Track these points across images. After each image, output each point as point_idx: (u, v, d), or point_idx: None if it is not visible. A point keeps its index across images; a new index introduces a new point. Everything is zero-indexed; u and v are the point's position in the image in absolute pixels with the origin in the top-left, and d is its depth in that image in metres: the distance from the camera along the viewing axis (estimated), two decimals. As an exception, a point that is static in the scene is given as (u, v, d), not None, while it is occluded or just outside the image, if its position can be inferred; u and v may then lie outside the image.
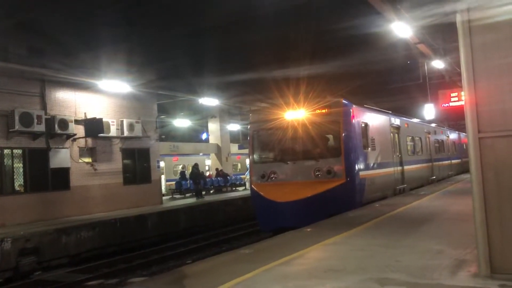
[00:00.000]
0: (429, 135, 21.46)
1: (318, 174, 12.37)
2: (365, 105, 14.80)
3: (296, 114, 12.89)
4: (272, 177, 13.03)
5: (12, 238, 12.29)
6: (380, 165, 14.18)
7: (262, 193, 12.76)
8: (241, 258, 7.04)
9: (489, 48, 4.89)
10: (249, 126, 14.42)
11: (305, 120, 12.71)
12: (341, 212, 11.25)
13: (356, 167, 12.59)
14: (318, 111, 12.65)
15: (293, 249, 7.20)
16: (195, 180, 24.10)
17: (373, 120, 14.37)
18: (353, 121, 12.74)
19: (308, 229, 9.25)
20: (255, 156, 13.91)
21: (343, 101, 12.85)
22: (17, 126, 14.95)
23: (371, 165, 13.62)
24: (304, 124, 12.68)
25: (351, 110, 12.78)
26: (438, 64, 18.88)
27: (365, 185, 13.01)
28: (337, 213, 11.15)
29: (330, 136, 13.11)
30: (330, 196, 11.88)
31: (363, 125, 13.39)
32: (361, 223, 9.43)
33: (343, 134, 12.41)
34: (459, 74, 7.33)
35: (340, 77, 18.17)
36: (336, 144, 12.76)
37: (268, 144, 13.89)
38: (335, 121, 12.47)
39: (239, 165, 39.80)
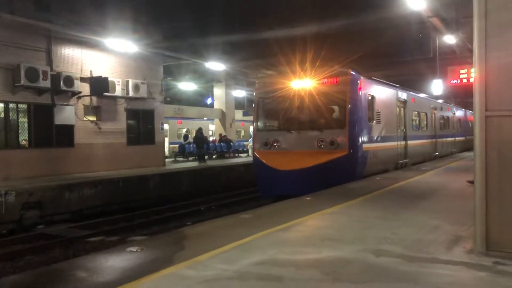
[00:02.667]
0: (435, 111, 21.34)
1: (321, 145, 12.39)
2: (373, 77, 14.66)
3: (303, 83, 12.78)
4: (275, 146, 13.08)
5: (16, 191, 12.46)
6: (384, 139, 14.17)
7: (264, 161, 12.81)
8: (241, 222, 7.13)
9: (504, 17, 4.75)
10: (254, 93, 14.36)
11: (311, 89, 12.61)
12: (342, 183, 11.33)
13: (360, 140, 12.58)
14: (325, 80, 12.53)
15: (292, 216, 7.29)
16: (198, 144, 24.18)
17: (380, 93, 14.25)
18: (360, 93, 12.63)
19: (308, 198, 9.34)
20: (259, 124, 13.91)
21: (351, 71, 12.71)
22: (23, 81, 14.90)
23: (375, 138, 13.61)
24: (310, 94, 12.59)
25: (358, 82, 12.66)
26: (449, 39, 18.57)
27: (368, 158, 13.04)
28: (338, 184, 11.23)
29: (336, 107, 13.06)
30: (331, 167, 11.91)
31: (369, 97, 13.29)
32: (361, 195, 9.51)
33: (349, 106, 12.33)
34: (470, 50, 7.22)
35: (348, 46, 17.92)
36: (341, 116, 12.72)
37: (273, 113, 13.89)
38: (342, 92, 12.36)
39: (242, 131, 39.84)
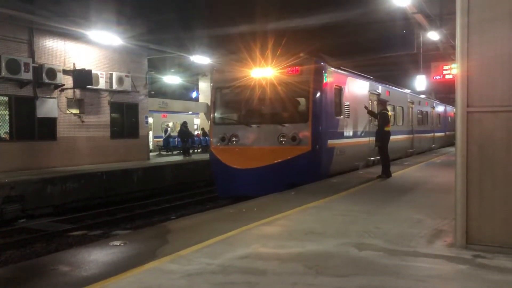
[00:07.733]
0: (413, 105, 20.35)
1: (282, 141, 11.28)
2: (341, 67, 13.53)
3: (263, 72, 11.63)
4: (233, 141, 11.90)
5: (-4, 185, 12.26)
6: (353, 134, 13.38)
7: (220, 158, 11.67)
8: (225, 216, 7.14)
9: (486, 14, 4.81)
10: (211, 84, 13.28)
11: (272, 79, 11.48)
12: (305, 183, 10.55)
13: (324, 135, 11.57)
14: (288, 69, 11.43)
15: (276, 210, 7.32)
16: (183, 138, 24.08)
17: (350, 84, 13.20)
18: (326, 83, 11.61)
19: (292, 192, 9.39)
20: (216, 116, 12.69)
21: (315, 60, 11.72)
22: (3, 73, 14.62)
23: (343, 133, 12.66)
24: (271, 84, 11.48)
25: (323, 71, 11.60)
26: (433, 35, 18.80)
27: (333, 155, 12.08)
28: (301, 183, 10.46)
29: (299, 99, 11.94)
30: (293, 164, 10.95)
31: (337, 89, 12.27)
32: (345, 189, 9.59)
33: (312, 98, 11.28)
34: (453, 47, 7.30)
35: (333, 40, 17.95)
36: (304, 108, 11.63)
37: (230, 104, 12.77)
38: (305, 82, 11.22)
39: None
